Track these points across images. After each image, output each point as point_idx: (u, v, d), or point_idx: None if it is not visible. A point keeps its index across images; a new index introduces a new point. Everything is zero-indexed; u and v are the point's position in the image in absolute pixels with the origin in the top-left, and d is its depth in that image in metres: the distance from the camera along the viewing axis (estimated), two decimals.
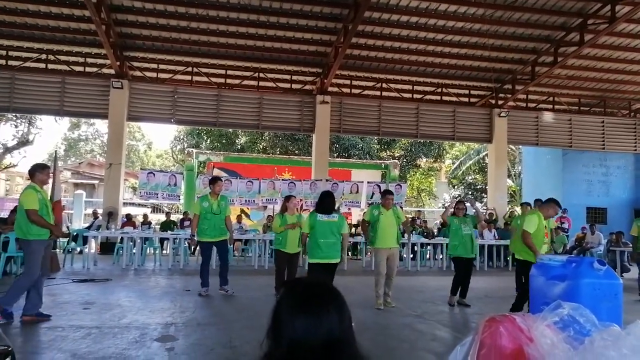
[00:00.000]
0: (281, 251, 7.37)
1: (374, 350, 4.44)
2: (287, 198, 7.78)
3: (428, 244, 13.01)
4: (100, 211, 14.01)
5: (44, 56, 13.61)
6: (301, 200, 13.51)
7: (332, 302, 1.11)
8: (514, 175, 26.31)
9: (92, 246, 12.17)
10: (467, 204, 8.08)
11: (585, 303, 1.48)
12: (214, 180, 7.53)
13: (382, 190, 7.40)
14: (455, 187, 29.62)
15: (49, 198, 5.47)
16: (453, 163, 29.21)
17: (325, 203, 5.95)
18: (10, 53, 13.52)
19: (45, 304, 5.92)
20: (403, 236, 7.73)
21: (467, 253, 7.07)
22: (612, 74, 15.33)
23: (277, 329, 1.09)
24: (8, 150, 24.48)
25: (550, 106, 16.82)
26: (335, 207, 14.28)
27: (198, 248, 9.56)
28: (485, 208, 16.93)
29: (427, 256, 13.32)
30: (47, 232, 5.26)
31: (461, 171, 26.92)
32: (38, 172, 5.34)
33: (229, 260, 7.56)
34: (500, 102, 15.92)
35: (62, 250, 11.30)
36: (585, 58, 14.27)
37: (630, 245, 12.53)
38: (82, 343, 4.47)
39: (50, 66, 13.82)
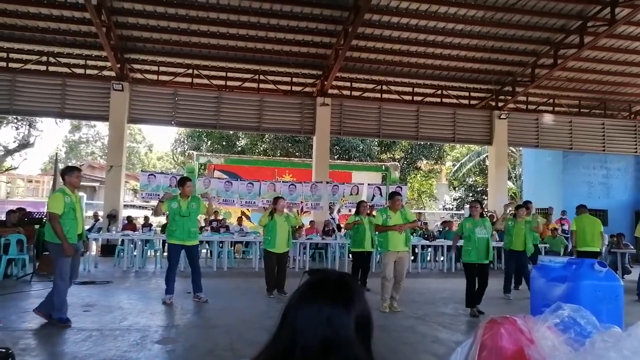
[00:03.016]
0: (269, 251, 7.50)
1: (377, 352, 4.44)
2: (275, 200, 7.89)
3: (429, 246, 13.01)
4: (101, 213, 14.01)
5: (44, 58, 13.62)
6: (302, 202, 13.53)
7: (339, 297, 1.05)
8: (515, 177, 26.29)
9: (93, 248, 12.16)
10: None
11: (585, 305, 1.49)
12: (183, 181, 7.00)
13: (389, 193, 7.28)
14: (456, 189, 29.60)
15: (78, 200, 5.35)
16: (454, 165, 29.19)
17: None
18: (11, 55, 13.54)
19: None
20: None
21: (480, 259, 6.59)
22: (612, 76, 15.34)
23: (282, 319, 1.07)
24: (9, 152, 24.51)
25: (551, 108, 16.84)
26: (336, 209, 14.30)
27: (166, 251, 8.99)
28: (485, 210, 16.92)
29: (428, 258, 13.31)
30: (75, 236, 5.20)
31: (462, 173, 26.91)
32: (67, 174, 5.35)
33: (200, 267, 7.03)
34: (500, 104, 15.93)
35: None
36: (585, 60, 14.28)
37: (632, 246, 12.54)
38: (83, 345, 4.47)
39: (50, 68, 13.84)
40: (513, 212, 8.87)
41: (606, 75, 15.28)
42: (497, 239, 12.81)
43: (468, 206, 9.06)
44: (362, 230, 8.56)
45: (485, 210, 16.87)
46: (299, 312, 1.04)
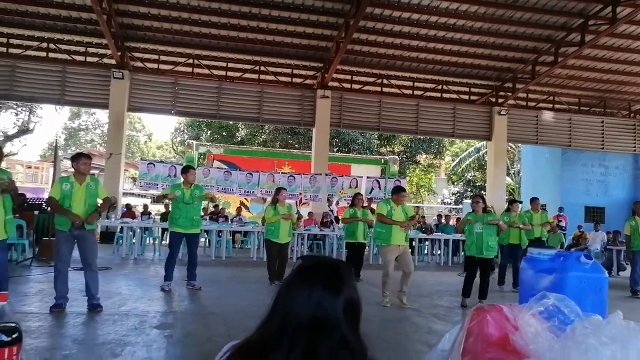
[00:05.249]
0: (272, 241, 7.62)
1: (372, 342, 4.52)
2: (278, 190, 8.01)
3: (426, 239, 13.10)
4: (100, 201, 14.05)
5: (44, 45, 13.60)
6: (300, 194, 13.60)
7: (329, 279, 1.11)
8: (513, 174, 26.38)
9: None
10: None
11: (571, 295, 1.55)
12: (186, 169, 7.02)
13: (394, 187, 7.22)
14: (455, 183, 29.71)
15: (83, 186, 5.28)
16: (453, 160, 29.28)
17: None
18: (11, 41, 13.52)
19: (46, 290, 6.01)
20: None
21: (479, 252, 6.66)
22: (612, 75, 15.37)
23: (275, 301, 1.13)
24: (8, 138, 24.49)
25: (550, 105, 16.88)
26: (335, 201, 14.33)
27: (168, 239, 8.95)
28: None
29: (426, 251, 13.41)
30: (68, 223, 5.20)
31: (461, 168, 26.99)
32: (74, 161, 5.35)
33: (197, 256, 7.05)
34: (500, 101, 15.97)
35: None
36: (585, 58, 14.30)
37: None
38: (83, 329, 4.54)
39: (51, 55, 13.83)
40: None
41: (606, 74, 15.30)
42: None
43: (470, 201, 9.20)
44: (355, 222, 8.68)
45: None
46: (291, 294, 1.10)
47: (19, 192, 5.25)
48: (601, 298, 1.70)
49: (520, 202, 9.10)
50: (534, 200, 9.05)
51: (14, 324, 1.20)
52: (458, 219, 15.13)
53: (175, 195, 6.78)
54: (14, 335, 1.17)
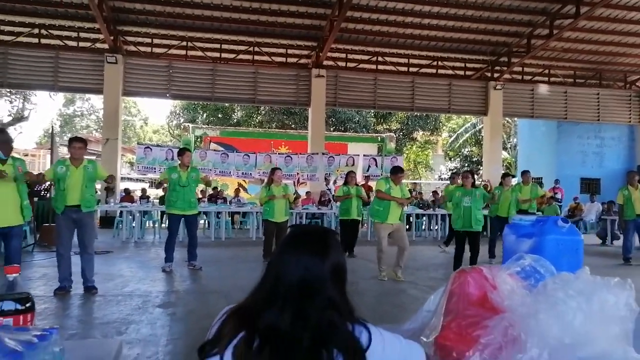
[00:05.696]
0: (269, 221, 7.79)
1: (368, 314, 4.65)
2: (272, 171, 8.15)
3: (423, 215, 13.25)
4: (98, 186, 14.12)
5: (36, 30, 13.49)
6: (298, 174, 13.67)
7: (316, 246, 1.21)
8: (510, 148, 26.46)
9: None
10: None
11: (549, 256, 1.64)
12: (182, 152, 7.12)
13: (393, 167, 7.28)
14: (452, 159, 29.79)
15: (80, 169, 5.33)
16: (450, 136, 29.30)
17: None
18: (3, 28, 13.39)
19: (50, 274, 6.12)
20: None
21: (465, 226, 6.86)
22: (607, 46, 15.30)
23: (267, 268, 1.23)
24: (3, 126, 24.43)
25: (546, 78, 16.85)
26: (332, 180, 14.40)
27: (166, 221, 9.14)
28: (480, 180, 17.12)
29: (423, 227, 13.58)
30: (62, 205, 5.28)
31: (458, 144, 27.04)
32: (68, 146, 5.42)
33: (197, 237, 7.20)
34: (495, 75, 15.94)
35: None
36: (581, 30, 14.22)
37: None
38: (87, 310, 4.67)
39: (43, 41, 13.72)
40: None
41: (602, 46, 15.24)
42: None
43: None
44: (349, 199, 8.82)
45: (481, 180, 17.09)
46: (282, 259, 1.20)
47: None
48: (577, 258, 1.80)
49: (514, 176, 9.29)
50: (524, 173, 9.39)
51: (26, 294, 1.29)
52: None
53: (171, 177, 6.87)
54: (27, 305, 1.27)
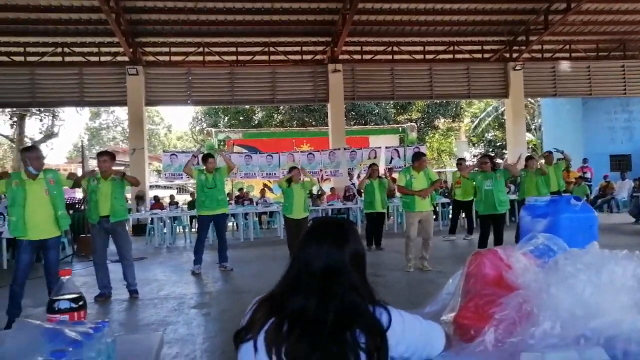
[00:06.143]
0: (288, 217, 7.92)
1: (397, 305, 4.72)
2: (291, 169, 8.25)
3: (449, 204, 13.14)
4: (129, 196, 14.52)
5: (59, 49, 13.93)
6: (321, 170, 13.76)
7: (335, 235, 1.31)
8: (535, 129, 25.93)
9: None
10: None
11: (563, 234, 1.68)
12: (205, 158, 7.48)
13: (414, 154, 7.28)
14: (476, 145, 29.39)
15: (108, 182, 5.63)
16: (472, 121, 28.91)
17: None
18: (28, 49, 13.88)
19: (89, 283, 6.39)
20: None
21: (487, 210, 6.91)
22: (630, 15, 14.76)
23: (292, 259, 1.34)
24: (35, 144, 25.29)
25: (567, 54, 16.43)
26: (356, 174, 14.42)
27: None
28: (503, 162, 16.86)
29: (450, 215, 13.46)
30: (96, 216, 5.56)
31: (481, 129, 26.67)
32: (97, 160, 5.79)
33: (226, 238, 7.47)
34: (514, 55, 15.63)
35: None
36: (600, 1, 13.80)
37: None
38: (126, 314, 4.88)
39: (67, 59, 14.16)
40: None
41: (624, 15, 14.71)
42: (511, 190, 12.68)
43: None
44: (371, 192, 8.86)
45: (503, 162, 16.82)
46: (305, 248, 1.32)
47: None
48: (591, 235, 1.83)
49: (534, 159, 9.21)
50: (547, 154, 9.34)
51: (79, 293, 1.44)
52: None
53: (200, 179, 7.21)
54: (80, 303, 1.42)
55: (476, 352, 1.29)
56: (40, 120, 23.52)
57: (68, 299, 1.43)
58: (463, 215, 10.93)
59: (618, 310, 1.25)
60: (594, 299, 1.26)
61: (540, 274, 1.37)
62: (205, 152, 8.59)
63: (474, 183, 7.26)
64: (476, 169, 7.61)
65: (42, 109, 21.68)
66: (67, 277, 1.45)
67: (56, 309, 1.42)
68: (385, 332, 1.23)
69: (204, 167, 7.36)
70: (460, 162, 10.52)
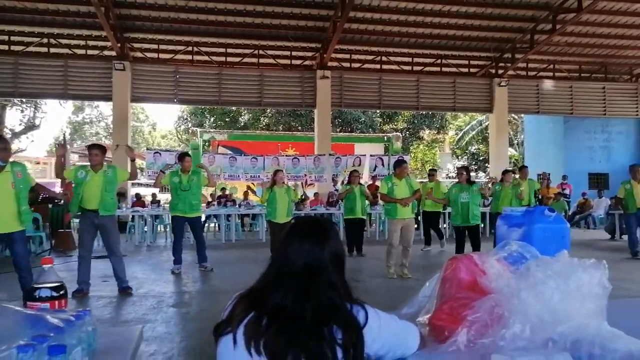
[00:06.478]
0: (272, 221, 7.90)
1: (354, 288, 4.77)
2: (275, 172, 8.24)
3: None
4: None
5: (45, 40, 13.74)
6: (306, 175, 13.81)
7: (317, 234, 1.35)
8: (517, 144, 26.41)
9: None
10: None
11: (537, 244, 1.75)
12: (182, 157, 7.35)
13: (395, 161, 7.34)
14: (459, 157, 29.79)
15: (100, 174, 5.59)
16: (457, 134, 29.31)
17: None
18: (13, 38, 13.65)
19: (66, 278, 6.30)
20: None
21: (464, 222, 7.09)
22: (612, 40, 15.23)
23: (273, 256, 1.37)
24: (15, 135, 24.82)
25: (551, 74, 16.83)
26: (340, 181, 14.50)
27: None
28: (488, 177, 17.16)
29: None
30: (75, 207, 5.53)
31: (465, 142, 27.04)
32: (88, 153, 5.73)
33: (203, 238, 7.45)
34: (500, 72, 15.96)
35: (76, 230, 11.69)
36: (584, 24, 14.20)
37: None
38: (105, 310, 4.83)
39: (52, 50, 13.97)
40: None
41: (606, 39, 15.18)
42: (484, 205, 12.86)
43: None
44: (353, 198, 8.95)
45: (489, 177, 17.12)
46: (286, 246, 1.35)
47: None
48: (563, 244, 1.91)
49: (513, 172, 9.43)
50: (522, 168, 9.55)
51: (60, 282, 1.45)
52: None
53: (173, 181, 7.09)
54: (61, 292, 1.43)
55: (449, 351, 1.34)
56: (22, 111, 23.16)
57: (49, 287, 1.43)
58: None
59: (584, 315, 1.31)
60: (562, 305, 1.32)
61: (512, 280, 1.43)
62: (183, 151, 8.52)
63: (449, 197, 7.40)
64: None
65: (24, 100, 21.34)
66: (48, 265, 1.46)
67: (37, 297, 1.43)
68: (362, 329, 1.27)
69: (180, 168, 7.22)
70: (432, 173, 10.68)
